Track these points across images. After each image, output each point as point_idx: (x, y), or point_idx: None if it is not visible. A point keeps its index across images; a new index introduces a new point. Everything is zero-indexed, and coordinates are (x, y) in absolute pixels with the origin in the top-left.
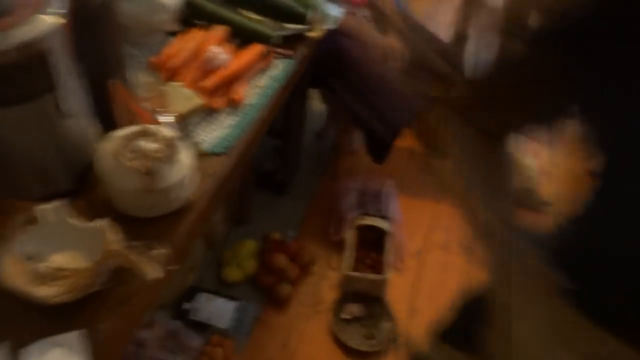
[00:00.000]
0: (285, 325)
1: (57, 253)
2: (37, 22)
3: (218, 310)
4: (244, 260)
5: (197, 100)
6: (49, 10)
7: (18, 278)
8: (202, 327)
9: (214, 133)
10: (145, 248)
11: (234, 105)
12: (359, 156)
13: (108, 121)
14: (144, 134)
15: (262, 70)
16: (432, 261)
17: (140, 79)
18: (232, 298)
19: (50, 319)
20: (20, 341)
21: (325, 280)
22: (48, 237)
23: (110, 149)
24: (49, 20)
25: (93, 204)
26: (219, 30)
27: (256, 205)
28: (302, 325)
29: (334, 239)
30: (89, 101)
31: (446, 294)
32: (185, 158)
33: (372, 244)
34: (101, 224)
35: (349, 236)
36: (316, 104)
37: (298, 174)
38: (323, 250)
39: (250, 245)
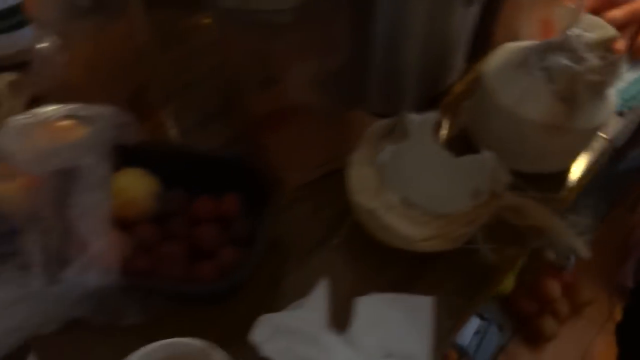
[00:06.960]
0: None
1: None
2: None
3: None
4: None
5: (610, 31)
6: None
7: (372, 201)
8: None
9: None
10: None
11: (638, 53)
12: None
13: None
14: (559, 49)
15: None
16: None
17: None
18: (479, 314)
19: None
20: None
21: (599, 330)
22: (411, 161)
23: (508, 58)
24: None
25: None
26: None
27: None
28: None
29: (628, 283)
30: None
31: None
32: (612, 95)
33: None
34: (488, 155)
35: None
36: None
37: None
38: (602, 293)
39: None
